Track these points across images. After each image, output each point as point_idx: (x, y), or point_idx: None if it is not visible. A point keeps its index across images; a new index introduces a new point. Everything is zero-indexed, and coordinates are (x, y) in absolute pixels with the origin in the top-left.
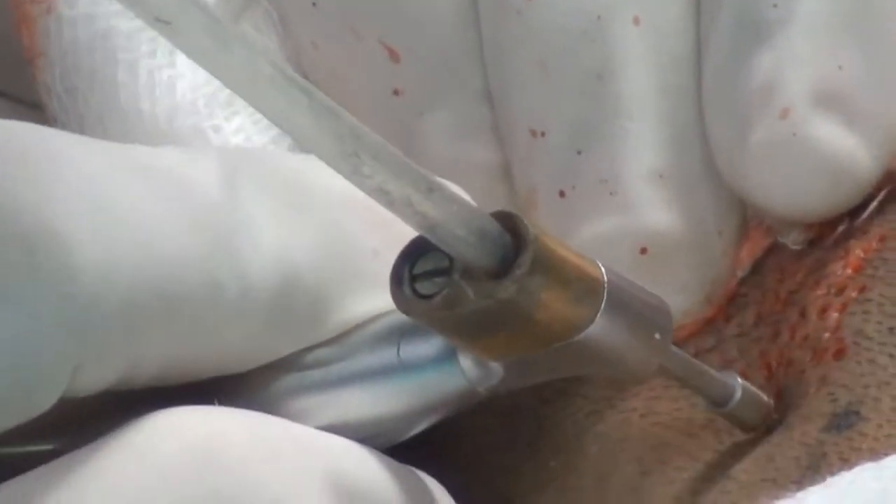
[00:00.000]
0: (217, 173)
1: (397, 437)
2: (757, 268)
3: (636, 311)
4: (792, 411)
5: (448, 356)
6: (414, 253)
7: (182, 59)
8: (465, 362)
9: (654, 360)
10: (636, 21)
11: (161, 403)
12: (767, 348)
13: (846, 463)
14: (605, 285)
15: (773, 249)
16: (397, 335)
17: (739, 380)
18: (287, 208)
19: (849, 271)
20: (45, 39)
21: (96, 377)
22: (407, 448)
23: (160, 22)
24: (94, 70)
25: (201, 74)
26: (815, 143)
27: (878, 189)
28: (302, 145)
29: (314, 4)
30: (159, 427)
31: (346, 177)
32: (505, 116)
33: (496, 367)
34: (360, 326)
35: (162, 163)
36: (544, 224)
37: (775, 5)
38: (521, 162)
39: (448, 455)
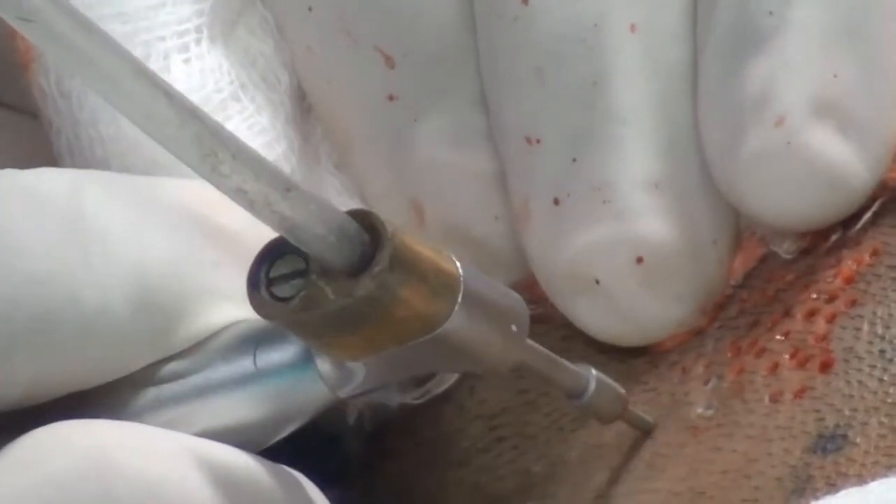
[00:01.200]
0: (66, 191)
1: (260, 444)
2: (748, 277)
3: (492, 304)
4: (760, 408)
5: (305, 362)
6: (269, 257)
7: (177, 63)
8: (324, 367)
9: (511, 352)
10: (632, 29)
11: (24, 423)
12: (741, 335)
13: (833, 488)
14: (461, 280)
15: (766, 259)
16: (253, 344)
17: (594, 371)
18: (135, 223)
19: (839, 281)
20: None
21: None
22: (391, 448)
23: (22, 21)
24: None
25: (196, 78)
26: (809, 152)
27: (872, 199)
28: (161, 144)
29: (310, 9)
30: (47, 442)
31: (205, 177)
32: (500, 123)
33: (356, 369)
34: (213, 336)
35: (13, 183)
36: (539, 232)
37: (770, 13)
38: (515, 169)
39: (435, 455)
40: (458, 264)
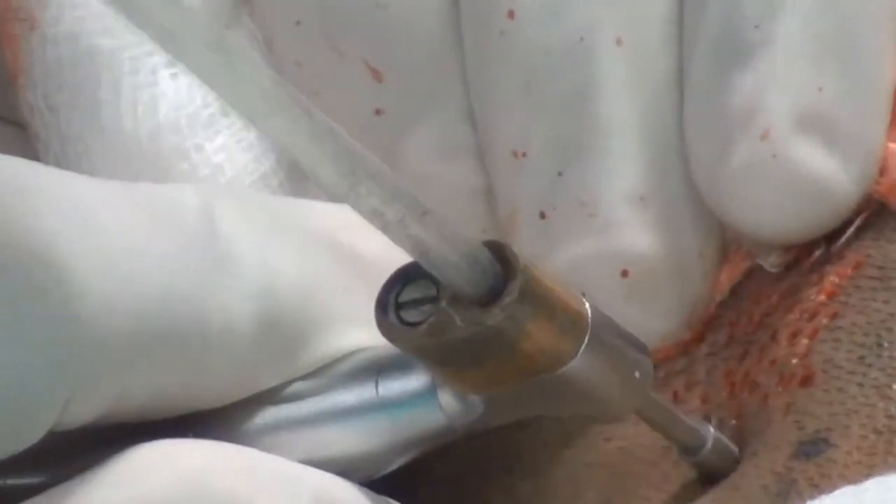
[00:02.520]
0: (196, 208)
1: (372, 473)
2: (735, 291)
3: (618, 348)
4: (755, 437)
5: (427, 392)
6: (400, 281)
7: (165, 79)
8: (445, 398)
9: (632, 400)
10: (619, 42)
11: (138, 438)
12: (733, 368)
13: (817, 489)
14: (590, 320)
15: (751, 273)
16: (375, 371)
17: (712, 430)
18: (264, 243)
19: (822, 297)
20: (27, 57)
21: (85, 411)
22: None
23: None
24: (76, 88)
25: (184, 94)
26: (794, 165)
27: (856, 213)
28: (299, 161)
29: (298, 23)
30: (147, 460)
31: (342, 196)
32: (487, 136)
33: (476, 403)
34: (337, 361)
35: (147, 196)
36: (525, 245)
37: (757, 27)
38: (502, 182)
39: (421, 474)
40: (587, 304)
